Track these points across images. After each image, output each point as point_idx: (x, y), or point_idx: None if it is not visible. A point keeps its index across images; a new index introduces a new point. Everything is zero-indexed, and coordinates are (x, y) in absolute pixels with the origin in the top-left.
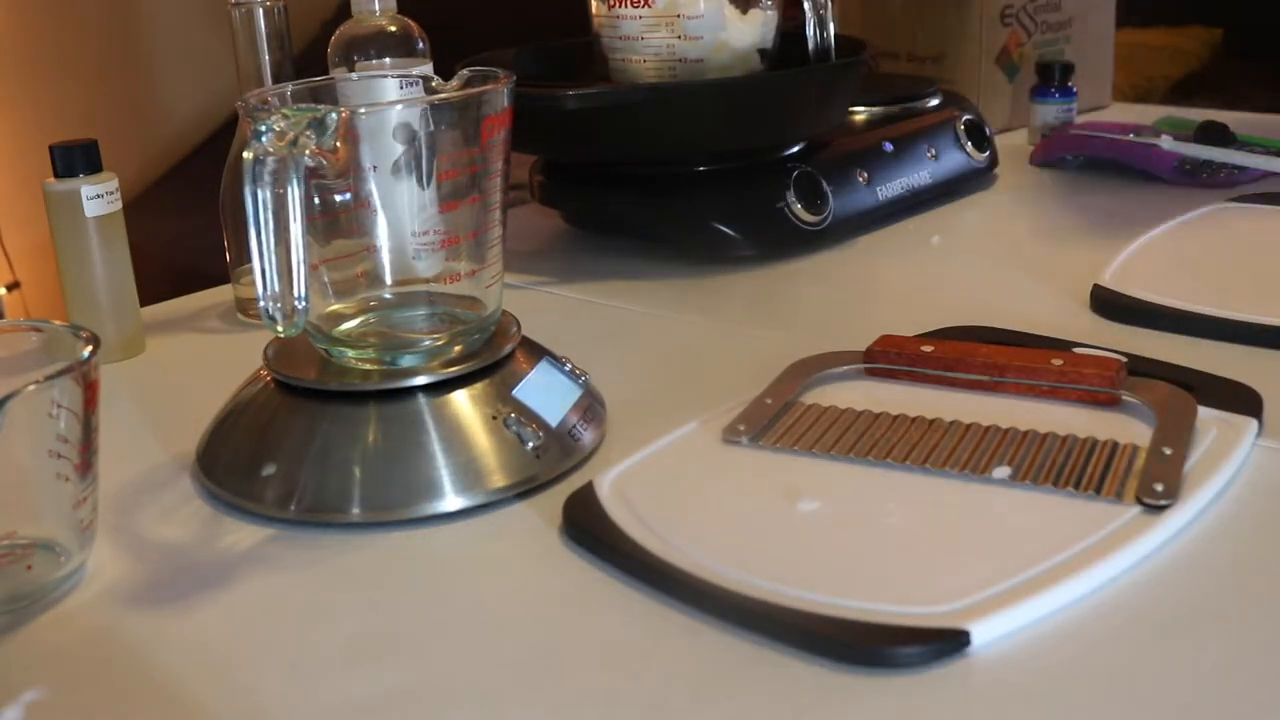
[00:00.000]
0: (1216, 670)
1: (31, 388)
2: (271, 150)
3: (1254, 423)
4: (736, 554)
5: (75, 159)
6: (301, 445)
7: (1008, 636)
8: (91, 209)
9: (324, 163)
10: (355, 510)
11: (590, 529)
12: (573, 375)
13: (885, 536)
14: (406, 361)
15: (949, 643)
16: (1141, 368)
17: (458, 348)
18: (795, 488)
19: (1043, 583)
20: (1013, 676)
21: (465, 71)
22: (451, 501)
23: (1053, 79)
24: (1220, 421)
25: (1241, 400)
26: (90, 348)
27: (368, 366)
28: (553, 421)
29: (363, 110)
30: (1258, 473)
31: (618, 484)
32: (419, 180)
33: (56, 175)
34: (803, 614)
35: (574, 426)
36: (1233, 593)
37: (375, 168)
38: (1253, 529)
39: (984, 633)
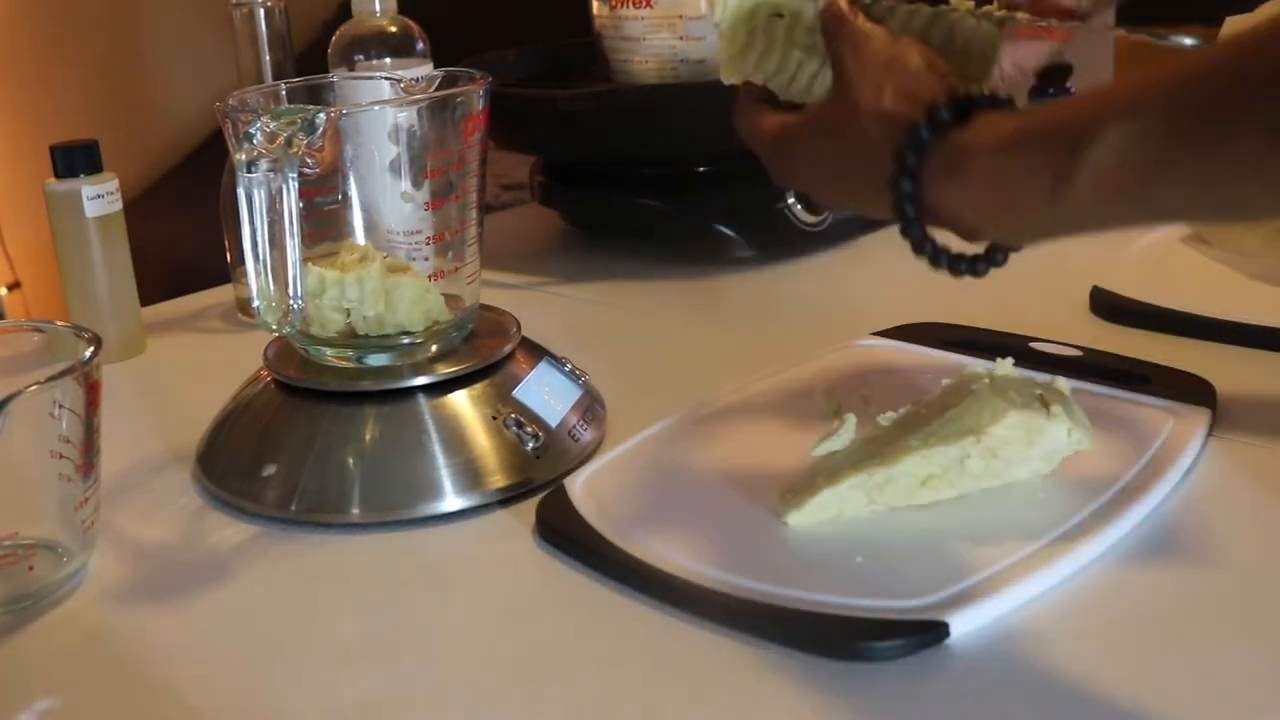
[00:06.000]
0: (1190, 649)
1: (33, 388)
2: (264, 151)
3: (1208, 413)
4: (713, 551)
5: (76, 159)
6: (302, 446)
7: (985, 627)
8: (92, 209)
9: (309, 162)
10: (355, 510)
11: (563, 531)
12: (572, 376)
13: (860, 530)
14: (381, 360)
15: (928, 634)
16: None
17: (435, 346)
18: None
19: (1017, 573)
20: (991, 666)
21: (439, 72)
22: (451, 502)
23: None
24: (1173, 413)
25: (1196, 392)
26: (92, 349)
27: (345, 364)
28: (552, 422)
29: (347, 111)
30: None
31: (589, 484)
32: (409, 180)
33: (57, 175)
34: (780, 609)
35: (574, 427)
36: (1199, 574)
37: (362, 167)
38: (1212, 513)
39: (962, 624)
